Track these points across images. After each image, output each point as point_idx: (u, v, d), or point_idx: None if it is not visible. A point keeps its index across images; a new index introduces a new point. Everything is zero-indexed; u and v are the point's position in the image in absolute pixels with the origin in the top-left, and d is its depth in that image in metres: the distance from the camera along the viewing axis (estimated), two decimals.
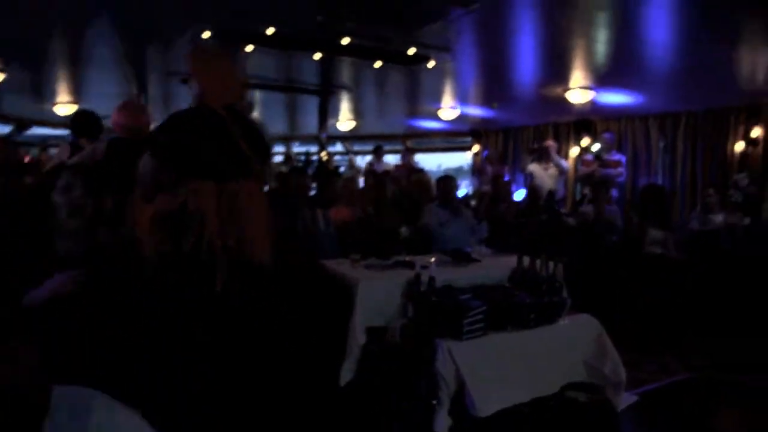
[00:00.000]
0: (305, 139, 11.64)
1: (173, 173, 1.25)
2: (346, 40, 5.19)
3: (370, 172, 8.25)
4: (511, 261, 3.86)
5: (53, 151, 9.67)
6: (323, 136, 8.45)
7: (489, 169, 8.45)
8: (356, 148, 11.84)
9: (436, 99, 8.18)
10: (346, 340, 3.37)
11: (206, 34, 4.95)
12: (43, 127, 10.57)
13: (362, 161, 10.66)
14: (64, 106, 8.63)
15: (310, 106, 8.71)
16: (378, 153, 9.68)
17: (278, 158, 13.40)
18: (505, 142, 9.92)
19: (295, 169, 5.62)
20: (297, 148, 12.29)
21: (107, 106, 8.77)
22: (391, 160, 10.15)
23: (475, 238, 4.94)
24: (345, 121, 10.03)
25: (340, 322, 3.52)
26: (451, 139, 11.47)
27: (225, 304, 1.22)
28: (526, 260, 3.72)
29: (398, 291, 3.49)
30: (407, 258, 3.96)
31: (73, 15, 4.67)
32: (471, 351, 3.12)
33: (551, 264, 3.65)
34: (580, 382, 3.43)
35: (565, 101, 7.25)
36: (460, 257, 4.08)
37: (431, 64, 5.79)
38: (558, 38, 5.20)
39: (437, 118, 9.11)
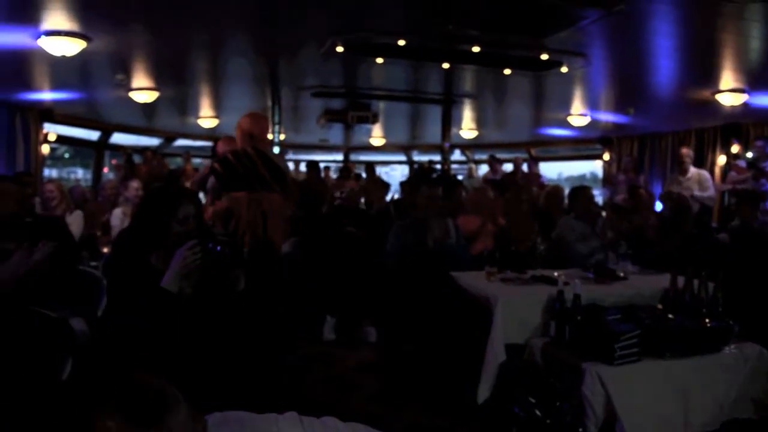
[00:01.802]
0: (427, 149, 11.66)
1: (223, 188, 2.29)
2: (476, 49, 5.10)
3: (491, 181, 8.07)
4: (660, 280, 3.56)
5: (197, 161, 10.46)
6: (446, 145, 8.39)
7: (622, 178, 7.92)
8: (477, 157, 11.68)
9: (565, 105, 7.85)
10: (483, 357, 3.27)
11: (339, 48, 5.07)
12: (186, 139, 11.46)
13: (484, 170, 10.49)
14: (207, 120, 9.28)
15: (433, 115, 8.72)
16: (492, 163, 9.49)
17: (399, 168, 13.63)
18: (640, 149, 9.27)
19: (425, 179, 5.60)
20: (417, 157, 12.36)
21: None
22: (509, 169, 9.89)
23: (614, 254, 4.63)
24: (467, 130, 9.92)
25: (474, 338, 3.44)
26: (578, 147, 10.97)
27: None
28: (681, 280, 3.40)
29: (539, 307, 3.33)
30: (545, 273, 3.78)
31: (214, 35, 4.97)
32: (623, 378, 2.89)
33: (710, 285, 3.31)
34: (747, 419, 3.08)
35: (710, 105, 6.65)
36: (604, 273, 3.83)
37: (564, 69, 5.55)
38: (705, 37, 4.76)
39: (564, 125, 8.73)
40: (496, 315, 3.27)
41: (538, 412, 3.05)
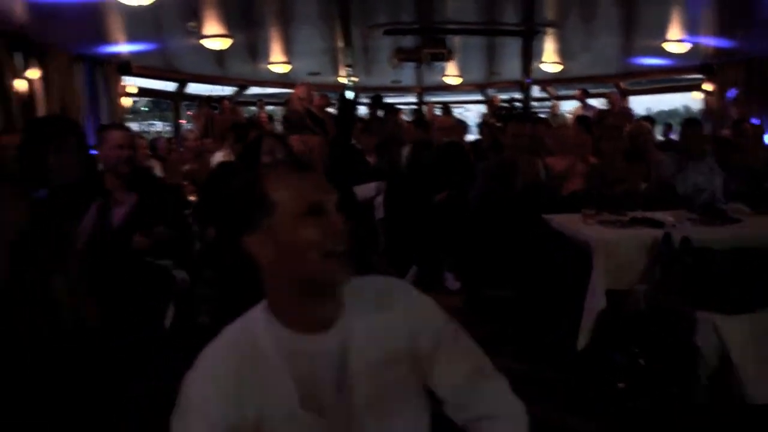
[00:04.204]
0: (505, 86, 11.12)
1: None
2: None
3: (581, 118, 7.54)
4: None
5: (269, 107, 10.49)
6: (527, 81, 7.90)
7: (733, 111, 7.17)
8: (561, 92, 11.04)
9: (660, 30, 7.14)
10: (582, 303, 3.07)
11: None
12: (258, 87, 11.48)
13: (569, 107, 9.90)
14: (278, 66, 9.21)
15: (511, 48, 8.21)
16: (583, 98, 8.85)
17: (478, 108, 13.15)
18: (747, 78, 8.27)
19: (511, 116, 5.29)
20: (494, 95, 11.80)
21: (316, 62, 9.24)
22: (595, 103, 9.25)
23: (721, 189, 4.21)
24: (549, 63, 9.32)
25: (571, 284, 3.24)
26: (673, 77, 10.09)
27: None
28: None
29: (642, 252, 3.06)
30: (647, 215, 3.47)
31: None
32: (740, 327, 2.62)
33: None
34: None
35: None
36: (714, 215, 3.47)
37: None
38: None
39: (659, 54, 7.99)
40: (596, 259, 3.04)
41: (641, 361, 2.86)
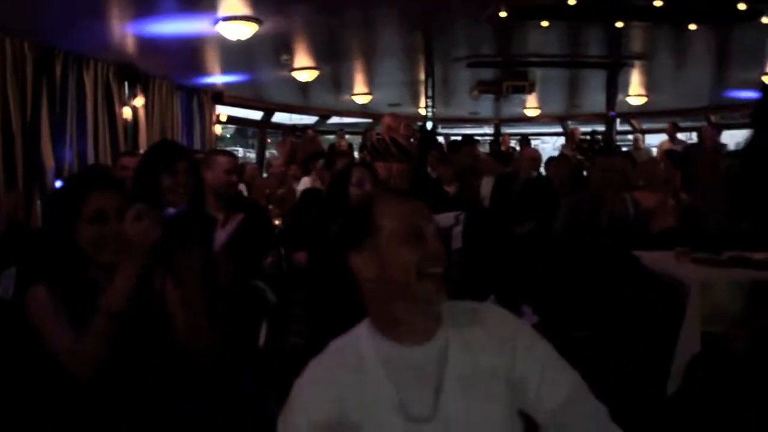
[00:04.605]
0: (585, 118, 10.93)
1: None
2: (658, 3, 4.57)
3: (671, 152, 7.29)
4: None
5: (348, 137, 10.76)
6: (612, 114, 7.73)
7: None
8: (645, 126, 10.70)
9: (757, 62, 6.84)
10: (675, 346, 2.94)
11: (503, 13, 4.81)
12: (338, 117, 11.83)
13: (653, 140, 9.57)
14: (360, 96, 9.47)
15: (594, 81, 8.08)
16: (673, 132, 8.52)
17: (551, 140, 12.96)
18: None
19: (594, 149, 5.19)
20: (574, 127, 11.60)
21: (396, 93, 9.42)
22: (683, 137, 8.88)
23: None
24: (634, 96, 9.09)
25: (663, 325, 3.11)
26: None
27: None
28: None
29: (741, 293, 2.91)
30: (745, 255, 3.29)
31: (368, 10, 4.96)
32: None
33: None
34: None
35: None
36: None
37: (765, 19, 4.80)
38: None
39: (755, 87, 7.63)
40: (691, 299, 2.90)
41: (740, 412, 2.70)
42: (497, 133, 11.86)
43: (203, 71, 7.45)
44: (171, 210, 1.76)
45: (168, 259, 1.51)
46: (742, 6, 4.52)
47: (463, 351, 1.16)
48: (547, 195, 4.85)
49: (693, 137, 9.11)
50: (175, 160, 2.29)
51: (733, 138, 11.11)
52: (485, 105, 10.86)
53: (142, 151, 5.70)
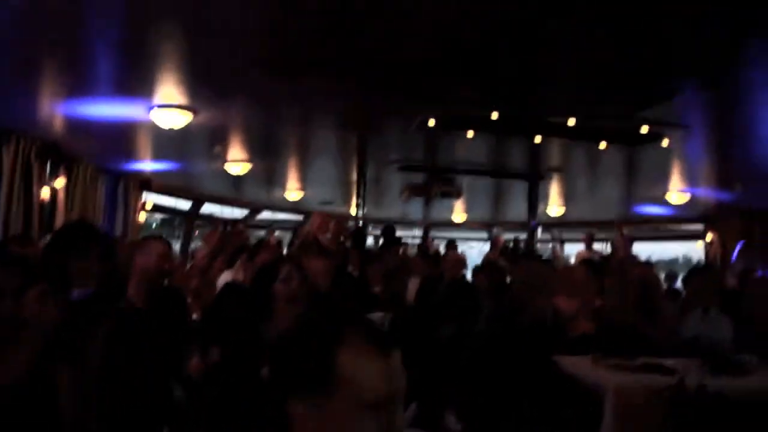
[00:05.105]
0: (511, 226, 11.41)
1: None
2: (571, 122, 4.98)
3: (588, 260, 7.65)
4: None
5: (277, 233, 10.69)
6: (533, 224, 8.11)
7: (739, 262, 7.33)
8: (564, 236, 11.29)
9: (662, 181, 7.48)
10: None
11: (431, 122, 5.08)
12: (269, 211, 11.80)
13: (571, 250, 10.06)
14: (293, 192, 9.54)
15: (516, 191, 8.54)
16: (589, 241, 9.03)
17: (477, 245, 13.36)
18: (746, 229, 8.56)
19: (529, 254, 5.40)
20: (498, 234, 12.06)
21: (329, 191, 9.51)
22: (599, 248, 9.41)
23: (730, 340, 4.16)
24: (553, 206, 9.64)
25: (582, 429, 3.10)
26: (673, 227, 10.38)
27: None
28: None
29: (655, 399, 2.97)
30: (655, 360, 3.41)
31: (307, 107, 5.12)
32: None
33: None
34: None
35: None
36: (724, 364, 3.40)
37: (665, 143, 5.30)
38: None
39: (661, 203, 8.30)
40: (607, 403, 2.93)
41: None
42: (425, 236, 12.13)
43: (133, 156, 7.34)
44: (77, 293, 1.66)
45: (66, 344, 1.40)
46: (644, 129, 4.99)
47: None
48: (469, 298, 4.95)
49: (608, 248, 9.64)
50: (88, 243, 2.20)
51: (642, 252, 11.88)
52: (415, 208, 11.17)
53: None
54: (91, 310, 1.65)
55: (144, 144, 6.65)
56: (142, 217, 8.78)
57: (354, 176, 8.02)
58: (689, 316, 4.33)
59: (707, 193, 7.87)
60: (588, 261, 6.01)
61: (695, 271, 4.45)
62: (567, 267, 5.75)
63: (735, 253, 7.90)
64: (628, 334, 4.00)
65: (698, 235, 9.49)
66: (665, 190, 7.77)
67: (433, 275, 5.75)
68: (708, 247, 9.10)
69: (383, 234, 8.24)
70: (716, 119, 5.07)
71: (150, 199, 8.95)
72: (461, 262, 5.86)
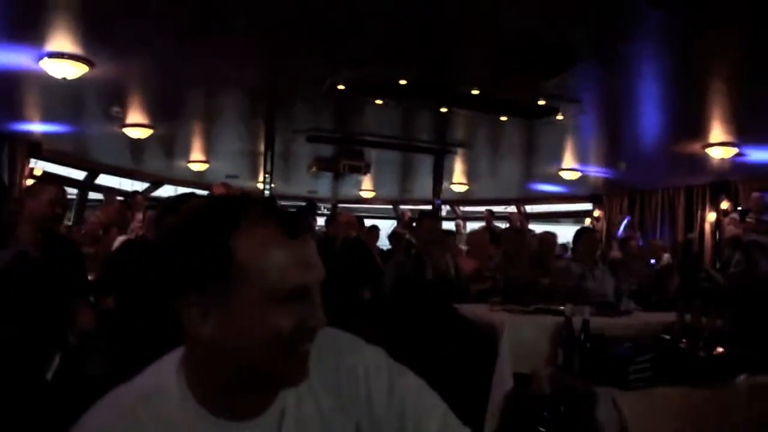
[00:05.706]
0: (416, 203, 11.69)
1: None
2: (475, 91, 5.18)
3: (490, 229, 8.06)
4: (665, 316, 3.51)
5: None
6: (437, 202, 8.36)
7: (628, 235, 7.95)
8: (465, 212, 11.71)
9: (556, 159, 7.96)
10: (489, 388, 3.12)
11: (341, 86, 5.11)
12: (172, 185, 11.35)
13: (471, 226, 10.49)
14: (196, 164, 9.22)
15: (424, 167, 8.76)
16: (489, 218, 9.53)
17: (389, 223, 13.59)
18: (630, 207, 9.36)
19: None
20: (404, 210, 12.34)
21: (234, 164, 9.26)
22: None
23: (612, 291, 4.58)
24: (457, 184, 9.99)
25: (479, 369, 3.30)
26: (567, 204, 11.08)
27: None
28: (688, 316, 3.33)
29: (546, 336, 3.22)
30: (548, 306, 3.69)
31: (213, 67, 4.95)
32: (638, 402, 2.76)
33: (718, 321, 3.25)
34: None
35: (700, 161, 6.79)
36: (607, 309, 3.75)
37: (560, 116, 5.65)
38: (696, 87, 4.88)
39: (555, 181, 8.83)
40: (502, 342, 3.15)
41: None
42: (333, 213, 12.18)
43: (20, 116, 6.79)
44: None
45: None
46: (541, 101, 5.29)
47: (302, 423, 0.88)
48: (363, 254, 5.24)
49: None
50: None
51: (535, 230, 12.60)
52: (324, 184, 11.17)
53: None
54: None
55: (33, 101, 6.18)
56: (30, 184, 8.15)
57: (261, 147, 7.87)
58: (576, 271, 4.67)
59: (597, 171, 8.47)
60: (490, 230, 6.38)
61: (583, 231, 4.82)
62: (473, 231, 6.06)
63: (621, 228, 8.60)
64: (523, 286, 4.29)
65: (588, 213, 10.23)
66: (559, 168, 8.28)
67: (326, 236, 6.12)
68: (594, 222, 9.84)
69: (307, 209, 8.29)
70: (605, 96, 5.45)
71: (39, 166, 8.33)
72: (352, 223, 6.27)
